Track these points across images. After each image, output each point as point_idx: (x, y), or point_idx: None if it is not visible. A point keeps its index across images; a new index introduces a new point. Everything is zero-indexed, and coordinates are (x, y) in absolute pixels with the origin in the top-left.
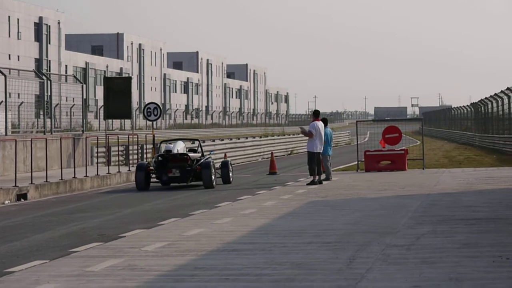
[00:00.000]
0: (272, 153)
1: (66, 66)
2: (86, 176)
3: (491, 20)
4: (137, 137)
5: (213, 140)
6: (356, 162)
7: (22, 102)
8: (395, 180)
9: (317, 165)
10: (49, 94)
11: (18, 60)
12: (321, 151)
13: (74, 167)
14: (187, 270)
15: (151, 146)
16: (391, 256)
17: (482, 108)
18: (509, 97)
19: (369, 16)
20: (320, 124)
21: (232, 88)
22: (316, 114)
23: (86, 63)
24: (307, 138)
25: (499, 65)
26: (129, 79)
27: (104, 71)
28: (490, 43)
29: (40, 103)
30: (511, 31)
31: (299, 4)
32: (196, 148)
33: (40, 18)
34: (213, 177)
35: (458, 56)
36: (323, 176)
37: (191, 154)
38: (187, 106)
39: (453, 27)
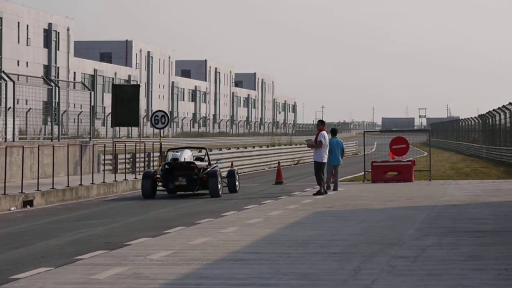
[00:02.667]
0: (279, 163)
1: (74, 72)
2: (92, 183)
3: (501, 32)
4: (144, 145)
5: (220, 149)
6: (363, 173)
7: (30, 109)
8: (402, 191)
9: (324, 175)
10: (57, 100)
11: (27, 66)
12: (326, 161)
13: (81, 174)
14: (192, 279)
15: (158, 154)
16: (396, 268)
17: (490, 120)
18: None
19: (378, 26)
20: (326, 133)
21: (240, 97)
22: (322, 124)
23: (95, 70)
24: (310, 148)
25: (507, 77)
26: (137, 86)
27: (113, 78)
28: (500, 55)
29: (48, 110)
30: None
31: (308, 14)
32: (203, 157)
33: (50, 25)
34: (219, 186)
35: (466, 68)
36: (332, 187)
37: (198, 163)
38: (194, 114)
39: (463, 38)
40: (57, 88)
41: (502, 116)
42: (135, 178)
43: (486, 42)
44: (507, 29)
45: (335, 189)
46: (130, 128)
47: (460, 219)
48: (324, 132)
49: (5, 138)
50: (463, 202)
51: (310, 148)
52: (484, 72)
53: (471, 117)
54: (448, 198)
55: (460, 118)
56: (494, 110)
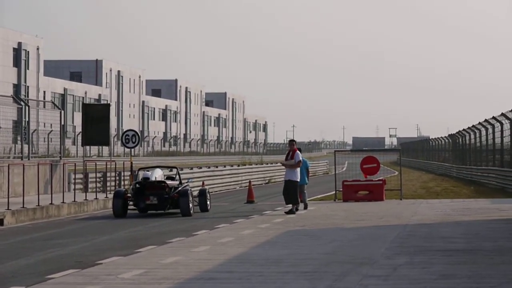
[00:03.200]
0: (250, 182)
1: (44, 92)
2: (63, 202)
3: (471, 53)
4: (115, 164)
5: (191, 168)
6: (334, 192)
7: (0, 128)
8: (373, 210)
9: (297, 193)
10: (27, 119)
11: None
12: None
13: (51, 193)
14: None
15: (129, 173)
16: (368, 287)
17: (460, 139)
18: (486, 129)
19: (349, 46)
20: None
21: (211, 116)
22: (296, 143)
23: (65, 89)
24: (285, 167)
25: (477, 97)
26: (107, 106)
27: (83, 97)
28: (470, 75)
29: (18, 129)
30: (488, 66)
31: (278, 34)
32: (174, 176)
33: (19, 44)
34: (190, 205)
35: (436, 88)
36: (301, 206)
37: (169, 182)
38: (165, 134)
39: (434, 59)
40: (27, 107)
41: (472, 136)
42: (106, 197)
43: (457, 62)
44: (477, 50)
45: (305, 207)
46: (100, 147)
47: (431, 238)
48: (299, 152)
49: None
50: (434, 221)
51: (283, 167)
52: (454, 92)
53: (441, 137)
54: (419, 217)
55: (430, 138)
56: (464, 129)
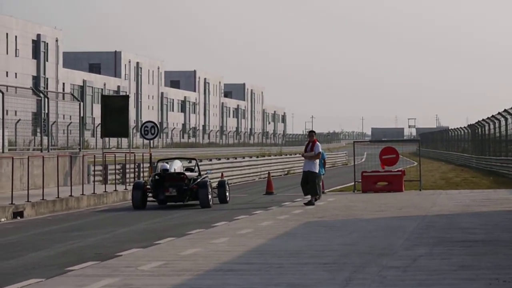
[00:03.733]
0: (269, 173)
1: (63, 83)
2: (82, 194)
3: (487, 43)
4: (134, 155)
5: (210, 160)
6: (353, 183)
7: (19, 120)
8: (392, 201)
9: (317, 184)
10: (46, 111)
11: (16, 77)
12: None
13: (71, 185)
14: None
15: (148, 165)
16: (387, 278)
17: (479, 129)
18: (506, 119)
19: (366, 36)
20: None
21: (229, 108)
22: (315, 134)
23: (84, 81)
24: (306, 159)
25: (496, 87)
26: (126, 97)
27: (102, 89)
28: (488, 65)
29: (37, 121)
30: (508, 53)
31: (295, 24)
32: (193, 167)
33: (38, 36)
34: (210, 196)
35: (456, 78)
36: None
37: (188, 173)
38: (184, 125)
39: (452, 46)
40: (46, 99)
41: (491, 126)
42: (125, 189)
43: (478, 51)
44: (496, 39)
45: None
46: (120, 139)
47: (450, 229)
48: (319, 144)
49: None
50: (453, 212)
51: (302, 158)
52: (473, 82)
53: (460, 127)
54: (438, 208)
55: (450, 128)
56: (483, 120)
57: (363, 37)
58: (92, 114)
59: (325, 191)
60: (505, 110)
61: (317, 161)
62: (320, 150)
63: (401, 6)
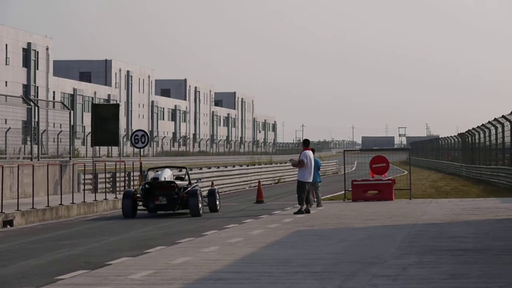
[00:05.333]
0: (259, 182)
1: (54, 92)
2: (72, 203)
3: (482, 51)
4: (124, 164)
5: (200, 168)
6: (343, 192)
7: (9, 128)
8: (382, 210)
9: (306, 194)
10: (36, 120)
11: (6, 85)
12: (311, 181)
13: (61, 194)
14: None
15: (138, 173)
16: (377, 287)
17: (469, 138)
18: (496, 128)
19: (358, 44)
20: (311, 153)
21: (220, 116)
22: (306, 143)
23: (74, 90)
24: (294, 167)
25: (487, 96)
26: (117, 106)
27: (92, 97)
28: (480, 73)
29: (28, 129)
30: (497, 63)
31: (288, 32)
32: (183, 176)
33: (29, 44)
34: (200, 205)
35: (446, 87)
36: (315, 204)
37: (178, 182)
38: (174, 134)
39: (445, 57)
40: (36, 108)
41: (482, 135)
42: (116, 197)
43: (467, 61)
44: (488, 49)
45: (318, 205)
46: (110, 147)
47: (440, 237)
48: (307, 152)
49: None
50: (443, 221)
51: (294, 167)
52: (464, 90)
53: (450, 136)
54: (428, 217)
55: (440, 137)
56: (473, 128)
57: (352, 45)
58: (82, 123)
59: (319, 200)
60: (495, 119)
61: (305, 169)
62: (303, 158)
63: (386, 22)
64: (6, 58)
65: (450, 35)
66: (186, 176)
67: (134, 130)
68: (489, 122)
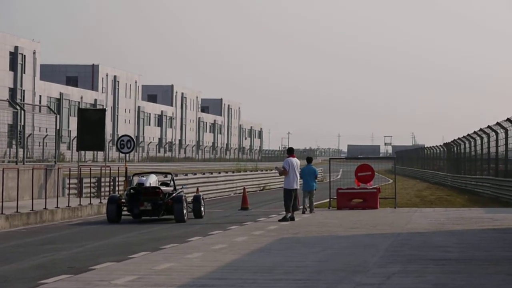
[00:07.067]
0: (244, 189)
1: (40, 96)
2: (57, 207)
3: (465, 61)
4: (110, 169)
5: (186, 174)
6: (328, 200)
7: None
8: (367, 218)
9: (291, 201)
10: (22, 124)
11: None
12: (297, 187)
13: (46, 198)
14: None
15: (124, 178)
16: None
17: (455, 148)
18: (481, 138)
19: (343, 52)
20: (295, 160)
21: (206, 122)
22: (290, 151)
23: (61, 94)
24: (280, 175)
25: (473, 106)
26: (103, 111)
27: (79, 102)
28: (467, 83)
29: (13, 133)
30: (483, 74)
31: (273, 40)
32: (169, 182)
33: (16, 48)
34: (185, 211)
35: (431, 96)
36: (308, 211)
37: (163, 188)
38: (160, 139)
39: (427, 67)
40: (22, 112)
41: (467, 145)
42: (100, 202)
43: (454, 69)
44: (478, 55)
45: (311, 211)
46: (95, 152)
47: (425, 247)
48: (291, 159)
49: None
50: (427, 230)
51: (279, 174)
52: (449, 100)
53: (436, 146)
54: (413, 226)
55: (426, 146)
56: (459, 138)
57: (340, 55)
58: (68, 127)
59: (312, 207)
60: (480, 129)
61: (290, 177)
62: (285, 165)
63: (377, 30)
64: None
65: (440, 40)
66: (172, 182)
67: (120, 135)
68: (474, 132)
